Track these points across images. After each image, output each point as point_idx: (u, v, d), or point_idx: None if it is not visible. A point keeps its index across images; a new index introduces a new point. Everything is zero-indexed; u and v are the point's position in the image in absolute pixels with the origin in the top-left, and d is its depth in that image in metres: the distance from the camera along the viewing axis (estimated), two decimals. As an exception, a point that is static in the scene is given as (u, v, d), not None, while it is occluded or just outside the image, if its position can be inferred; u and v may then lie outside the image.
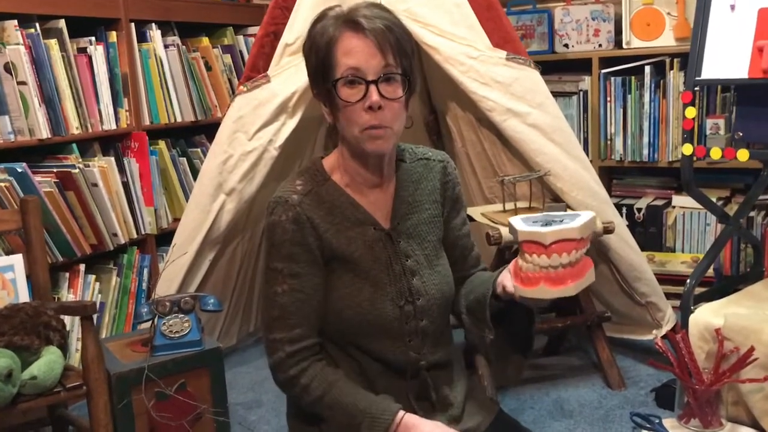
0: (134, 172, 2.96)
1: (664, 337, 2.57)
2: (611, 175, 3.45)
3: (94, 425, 1.98)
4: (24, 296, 2.20)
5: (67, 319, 2.36)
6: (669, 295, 2.79)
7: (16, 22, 2.56)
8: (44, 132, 2.61)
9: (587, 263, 1.28)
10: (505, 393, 2.54)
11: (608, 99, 3.21)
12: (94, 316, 2.07)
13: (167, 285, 2.62)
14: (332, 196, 1.43)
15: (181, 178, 3.24)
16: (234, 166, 2.59)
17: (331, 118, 1.41)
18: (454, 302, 1.53)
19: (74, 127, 2.74)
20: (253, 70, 2.58)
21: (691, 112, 2.28)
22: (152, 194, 3.02)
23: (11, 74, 2.53)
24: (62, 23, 2.73)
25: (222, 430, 2.24)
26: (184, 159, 3.29)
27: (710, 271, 2.90)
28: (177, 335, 2.21)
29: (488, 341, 1.43)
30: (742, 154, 2.20)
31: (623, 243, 2.59)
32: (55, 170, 2.67)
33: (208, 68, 3.38)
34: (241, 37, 3.60)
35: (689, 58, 2.27)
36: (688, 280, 2.33)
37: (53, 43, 2.67)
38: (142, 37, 3.09)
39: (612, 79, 3.19)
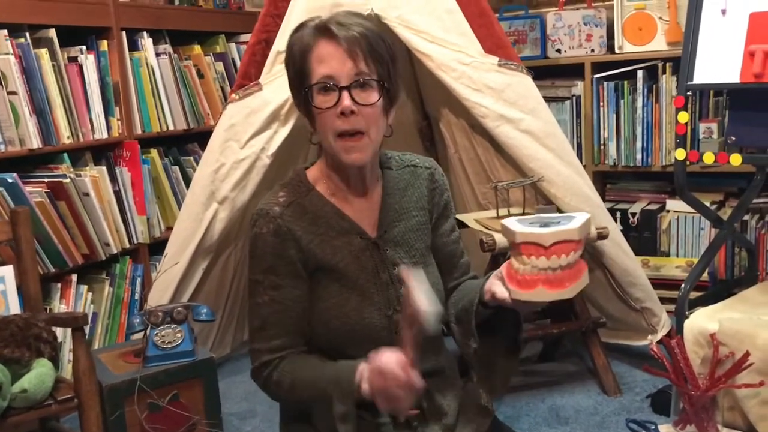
0: (126, 181, 2.95)
1: (659, 342, 2.56)
2: (605, 179, 3.46)
3: (86, 438, 1.96)
4: (15, 308, 2.19)
5: (58, 330, 2.34)
6: (664, 300, 2.79)
7: (6, 31, 2.55)
8: (35, 142, 2.59)
9: (582, 265, 1.27)
10: (500, 400, 2.52)
11: (601, 104, 3.21)
12: (86, 328, 2.06)
13: (160, 295, 2.61)
14: (316, 207, 1.42)
15: (174, 186, 3.23)
16: (226, 175, 2.58)
17: (311, 127, 1.42)
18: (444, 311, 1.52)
19: (65, 137, 2.72)
20: (244, 78, 2.58)
21: (683, 117, 2.28)
22: (144, 203, 3.01)
23: (1, 84, 2.52)
24: (53, 32, 2.72)
25: (215, 440, 2.22)
26: (177, 167, 3.27)
27: (705, 276, 2.90)
28: (169, 346, 2.19)
29: (472, 351, 1.42)
30: (735, 159, 2.20)
31: (617, 248, 2.59)
32: (46, 180, 2.66)
33: (201, 76, 3.37)
34: (233, 45, 3.59)
35: (681, 63, 2.27)
36: (683, 285, 2.32)
37: (44, 52, 2.66)
38: (134, 46, 3.08)
39: (605, 83, 3.19)
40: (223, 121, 2.58)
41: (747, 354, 1.93)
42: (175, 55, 3.25)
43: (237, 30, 3.63)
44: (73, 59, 2.82)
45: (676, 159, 2.29)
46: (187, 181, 3.18)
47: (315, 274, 1.41)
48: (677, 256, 3.19)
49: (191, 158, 3.36)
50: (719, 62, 2.19)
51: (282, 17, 2.53)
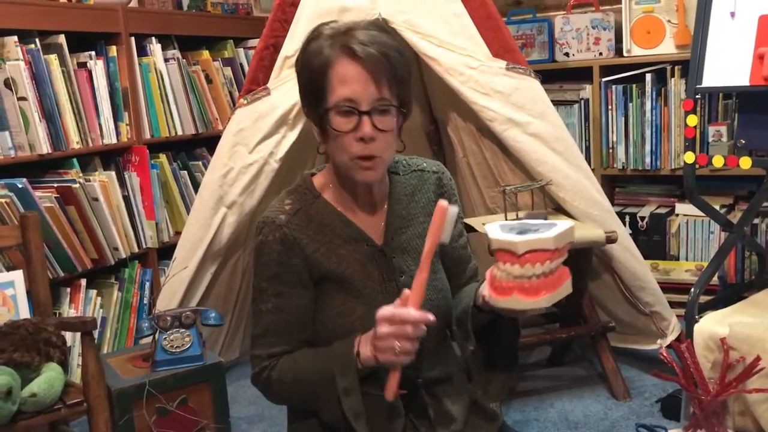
0: (135, 186, 2.96)
1: (668, 346, 2.55)
2: (614, 183, 3.44)
3: (95, 442, 1.96)
4: (24, 312, 2.20)
5: (68, 334, 2.36)
6: (673, 304, 2.77)
7: (16, 38, 2.57)
8: (45, 147, 2.61)
9: (564, 274, 1.24)
10: (508, 405, 2.52)
11: (609, 107, 3.20)
12: (95, 332, 2.06)
13: (168, 299, 2.61)
14: (322, 215, 1.41)
15: (182, 191, 3.24)
16: (235, 179, 2.58)
17: (320, 138, 1.40)
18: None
19: (75, 142, 2.74)
20: (253, 82, 2.58)
21: (692, 120, 2.27)
22: (153, 208, 3.02)
23: (11, 90, 2.54)
24: (62, 38, 2.74)
25: (224, 445, 2.23)
26: (185, 172, 3.28)
27: (715, 279, 2.88)
28: (178, 350, 2.20)
29: (468, 353, 1.41)
30: (745, 162, 2.19)
31: (626, 252, 2.58)
32: (55, 185, 2.67)
33: (209, 81, 3.38)
34: (241, 50, 3.60)
35: (690, 66, 2.26)
36: (693, 289, 2.31)
37: (53, 58, 2.67)
38: (143, 51, 3.10)
39: (613, 87, 3.18)
40: (232, 126, 2.59)
41: (758, 358, 1.91)
42: (184, 60, 3.26)
43: (245, 35, 3.64)
44: (82, 65, 2.83)
45: (685, 162, 2.28)
46: (196, 185, 3.19)
47: (321, 283, 1.40)
48: (687, 259, 3.18)
49: (200, 163, 3.37)
50: (728, 65, 2.18)
51: (290, 22, 2.54)
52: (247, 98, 2.57)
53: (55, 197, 2.62)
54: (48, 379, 1.90)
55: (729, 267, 3.03)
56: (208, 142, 3.34)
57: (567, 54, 3.31)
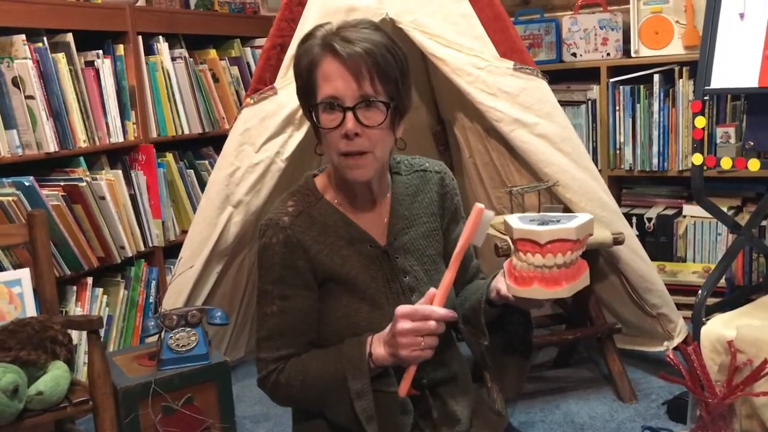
0: (142, 185, 2.97)
1: (675, 348, 2.55)
2: (621, 184, 3.43)
3: (101, 440, 1.97)
4: (31, 310, 2.20)
5: (74, 333, 2.36)
6: (680, 306, 2.76)
7: (24, 36, 2.58)
8: (52, 145, 2.61)
9: (582, 266, 1.25)
10: (514, 406, 2.51)
11: (617, 108, 3.19)
12: (101, 330, 2.07)
13: (174, 298, 2.62)
14: (325, 216, 1.41)
15: (189, 190, 3.24)
16: (241, 179, 2.58)
17: (317, 139, 1.41)
18: None
19: (81, 141, 2.74)
20: (259, 82, 2.58)
21: (700, 122, 2.26)
22: (159, 207, 3.02)
23: (19, 88, 2.54)
24: (70, 37, 2.74)
25: (229, 444, 2.23)
26: (192, 171, 3.29)
27: (722, 282, 2.87)
28: (184, 349, 2.20)
29: (483, 348, 1.41)
30: (753, 164, 2.17)
31: (633, 254, 2.57)
32: (62, 183, 2.68)
33: (216, 80, 3.39)
34: (248, 49, 3.60)
35: (698, 67, 2.25)
36: (700, 291, 2.30)
37: (61, 56, 2.68)
38: (150, 50, 3.10)
39: (621, 88, 3.17)
40: (238, 125, 2.59)
41: (766, 361, 1.90)
42: (191, 59, 3.26)
43: (252, 34, 3.65)
44: (89, 63, 2.84)
45: (692, 164, 2.27)
46: (202, 184, 3.20)
47: (325, 284, 1.40)
48: (694, 261, 3.16)
49: (206, 162, 3.37)
50: (737, 66, 2.17)
51: (297, 22, 2.53)
52: (254, 97, 2.57)
53: (61, 195, 2.63)
54: (54, 377, 1.90)
55: (736, 269, 3.02)
56: (215, 141, 3.34)
57: (574, 54, 3.30)
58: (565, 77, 3.29)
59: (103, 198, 2.75)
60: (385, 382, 1.34)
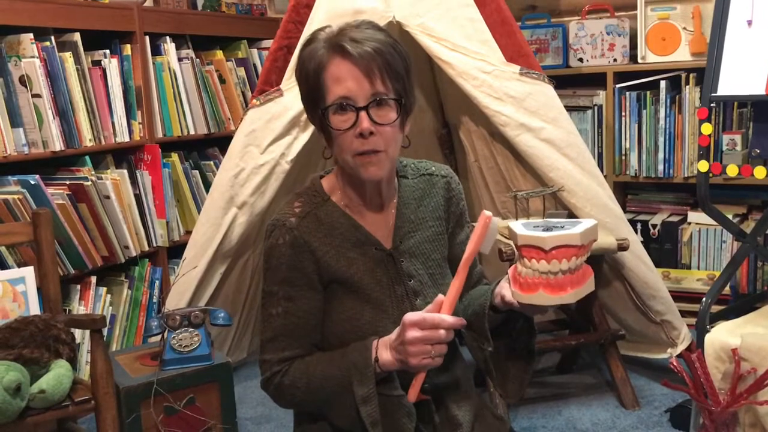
0: (147, 185, 2.97)
1: (679, 356, 2.54)
2: (626, 190, 3.43)
3: (102, 439, 1.97)
4: (35, 309, 2.20)
5: (77, 331, 2.36)
6: (684, 313, 2.75)
7: (31, 35, 2.58)
8: (58, 144, 2.62)
9: (587, 271, 1.26)
10: (516, 412, 2.51)
11: (623, 114, 3.19)
12: (104, 330, 2.07)
13: (178, 298, 2.62)
14: (331, 218, 1.41)
15: (194, 190, 3.25)
16: (246, 180, 2.59)
17: (326, 142, 1.40)
18: None
19: (87, 140, 2.75)
20: (266, 83, 2.59)
21: (707, 129, 2.26)
22: (164, 207, 3.03)
23: (26, 87, 2.55)
24: (77, 36, 2.75)
25: (230, 445, 2.22)
26: (197, 172, 3.29)
27: (726, 289, 2.86)
28: (186, 349, 2.20)
29: (487, 354, 1.40)
30: (759, 171, 2.17)
31: (638, 260, 2.56)
32: (67, 182, 2.68)
33: (222, 81, 3.39)
34: (255, 51, 3.61)
35: (705, 74, 2.25)
36: (704, 299, 2.29)
37: (68, 56, 2.69)
38: (157, 50, 3.11)
39: (627, 93, 3.17)
40: (244, 126, 2.60)
41: (769, 370, 1.89)
42: (197, 60, 3.27)
43: (259, 36, 3.65)
44: (96, 63, 2.85)
45: (698, 171, 2.27)
46: (207, 185, 3.20)
47: (330, 287, 1.40)
48: (698, 268, 3.16)
49: (211, 163, 3.38)
50: (744, 74, 2.16)
51: (304, 24, 2.54)
52: (260, 99, 2.57)
53: (67, 194, 2.64)
54: (56, 376, 1.90)
55: (741, 277, 3.01)
56: (220, 142, 3.34)
57: (581, 60, 3.30)
58: (571, 82, 3.29)
59: (108, 197, 2.76)
60: (388, 385, 1.33)
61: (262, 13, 3.82)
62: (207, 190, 3.07)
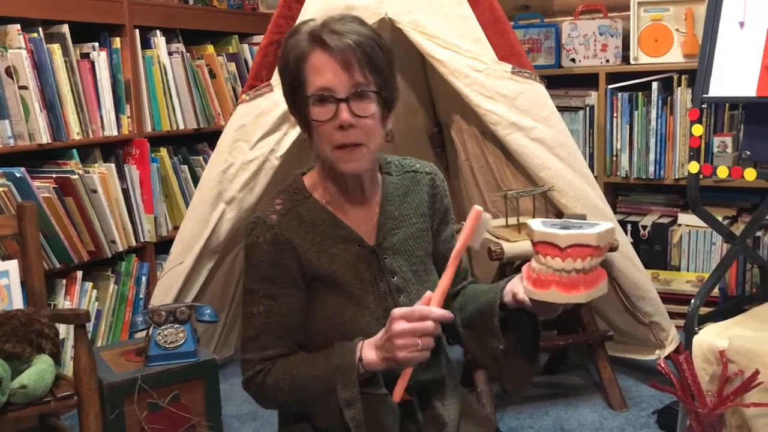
0: (134, 179, 2.94)
1: (667, 357, 2.53)
2: (616, 191, 3.42)
3: (85, 436, 1.94)
4: (18, 303, 2.18)
5: (62, 327, 2.34)
6: (673, 315, 2.75)
7: (19, 26, 2.56)
8: (44, 137, 2.59)
9: (601, 274, 1.26)
10: (503, 412, 2.50)
11: (615, 115, 3.18)
12: (89, 325, 2.05)
13: (164, 294, 2.60)
14: (313, 215, 1.40)
15: (182, 185, 3.22)
16: (234, 175, 2.57)
17: (306, 136, 1.39)
18: None
19: (75, 133, 2.72)
20: (256, 78, 2.57)
21: (698, 130, 2.25)
22: (152, 202, 3.00)
23: (12, 78, 2.52)
24: (65, 28, 2.72)
25: (215, 443, 2.21)
26: (186, 167, 3.27)
27: (715, 291, 2.86)
28: (172, 346, 2.18)
29: (497, 352, 1.38)
30: (750, 174, 2.17)
31: (627, 261, 2.56)
32: (54, 176, 2.66)
33: (212, 76, 3.37)
34: (246, 46, 3.59)
35: (697, 76, 2.24)
36: (693, 300, 2.29)
37: (56, 48, 2.66)
38: (146, 44, 3.08)
39: (619, 94, 3.16)
40: (233, 122, 2.58)
41: (757, 372, 1.89)
42: (188, 54, 3.24)
43: (250, 31, 3.63)
44: (85, 55, 2.82)
45: (689, 172, 2.26)
46: (196, 180, 3.18)
47: (312, 284, 1.39)
48: (688, 270, 3.16)
49: (200, 158, 3.35)
50: (736, 75, 2.16)
51: (295, 19, 2.52)
52: (250, 94, 2.55)
53: (53, 188, 2.61)
54: (38, 371, 1.88)
55: (730, 279, 3.01)
56: (210, 137, 3.32)
57: (573, 60, 3.29)
58: (563, 83, 3.28)
59: (95, 191, 2.73)
60: (372, 384, 1.32)
61: (254, 8, 3.80)
62: (196, 186, 3.03)
